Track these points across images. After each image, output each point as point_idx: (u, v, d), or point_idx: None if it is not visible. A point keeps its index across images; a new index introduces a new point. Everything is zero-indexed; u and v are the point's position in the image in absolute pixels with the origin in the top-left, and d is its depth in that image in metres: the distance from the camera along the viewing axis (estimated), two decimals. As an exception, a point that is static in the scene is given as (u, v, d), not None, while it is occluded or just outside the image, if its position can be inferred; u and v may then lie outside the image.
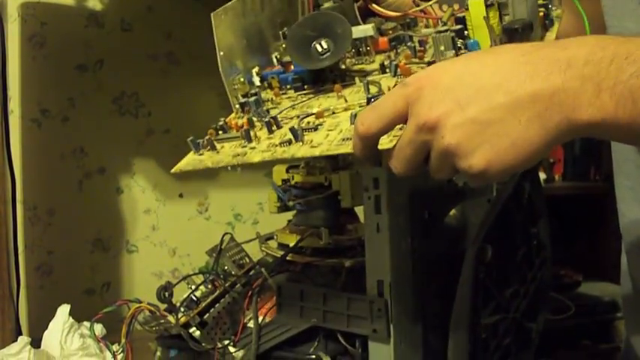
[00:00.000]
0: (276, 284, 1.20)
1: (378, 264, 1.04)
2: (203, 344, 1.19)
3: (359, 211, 1.24)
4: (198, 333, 1.20)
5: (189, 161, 1.06)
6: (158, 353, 1.26)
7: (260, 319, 1.21)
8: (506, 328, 1.05)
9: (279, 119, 1.00)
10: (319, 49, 0.99)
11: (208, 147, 1.06)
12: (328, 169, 1.30)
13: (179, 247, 2.00)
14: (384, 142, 0.81)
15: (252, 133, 1.00)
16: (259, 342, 1.18)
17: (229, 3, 1.04)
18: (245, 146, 1.01)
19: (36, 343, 1.40)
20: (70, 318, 1.42)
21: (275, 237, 1.35)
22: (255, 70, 1.08)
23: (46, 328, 1.43)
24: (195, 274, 1.31)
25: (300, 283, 1.21)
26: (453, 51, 0.89)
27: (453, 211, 1.20)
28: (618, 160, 1.07)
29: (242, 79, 1.05)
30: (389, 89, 0.90)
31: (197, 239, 1.98)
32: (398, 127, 0.77)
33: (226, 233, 1.36)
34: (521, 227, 1.11)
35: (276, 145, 0.96)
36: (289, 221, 1.37)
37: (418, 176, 1.03)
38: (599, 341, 1.73)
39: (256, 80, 1.07)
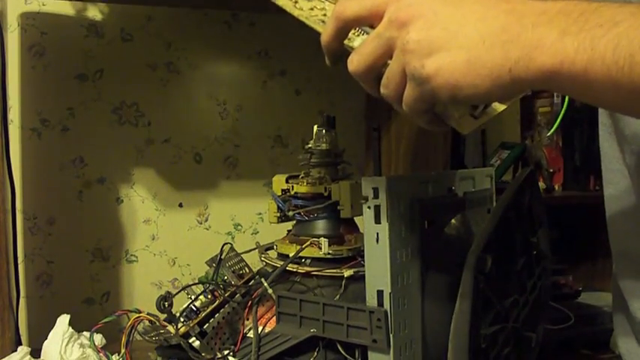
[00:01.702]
0: (275, 294, 1.20)
1: (378, 274, 1.04)
2: (203, 354, 1.19)
3: (359, 221, 1.24)
4: (197, 343, 1.20)
5: None
6: (158, 363, 1.26)
7: (260, 329, 1.21)
8: (506, 337, 1.05)
9: None
10: None
11: None
12: (328, 180, 1.31)
13: (179, 257, 2.00)
14: (352, 38, 0.83)
15: None
16: (259, 352, 1.18)
17: None
18: None
19: (36, 353, 1.40)
20: (70, 328, 1.42)
21: (275, 247, 1.36)
22: None
23: (46, 337, 1.43)
24: (195, 284, 1.31)
25: (300, 294, 1.21)
26: None
27: (453, 221, 1.20)
28: (606, 171, 1.07)
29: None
30: None
31: (197, 249, 1.98)
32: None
33: (226, 243, 1.36)
34: (521, 237, 1.11)
35: None
36: (289, 231, 1.37)
37: (417, 184, 1.03)
38: (598, 351, 1.73)
39: None
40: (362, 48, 0.78)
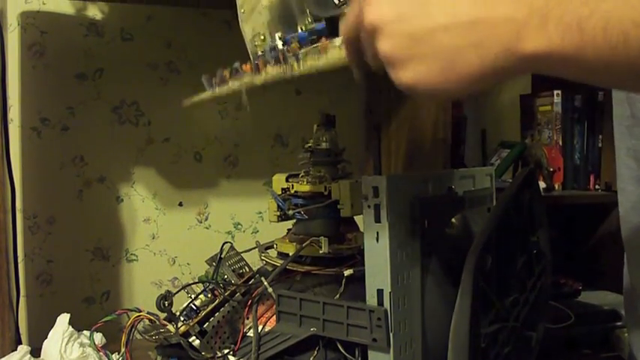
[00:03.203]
0: (275, 293, 1.20)
1: (378, 273, 1.04)
2: (203, 353, 1.19)
3: (358, 220, 1.24)
4: (197, 342, 1.20)
5: (201, 96, 1.06)
6: (158, 362, 1.26)
7: (260, 328, 1.21)
8: (506, 336, 1.05)
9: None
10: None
11: (221, 83, 1.05)
12: (328, 179, 1.31)
13: (179, 256, 2.00)
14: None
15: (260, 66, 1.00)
16: (259, 351, 1.18)
17: None
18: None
19: (36, 352, 1.40)
20: (70, 327, 1.42)
21: (275, 246, 1.36)
22: (279, 34, 1.06)
23: (46, 337, 1.43)
24: (194, 283, 1.31)
25: (300, 293, 1.21)
26: None
27: (453, 220, 1.20)
28: (620, 165, 1.07)
29: (262, 37, 1.04)
30: None
31: (197, 248, 1.98)
32: None
33: (226, 242, 1.36)
34: (521, 236, 1.11)
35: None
36: (289, 230, 1.37)
37: (417, 183, 1.04)
38: (599, 350, 1.73)
39: (279, 43, 1.05)
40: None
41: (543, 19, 0.62)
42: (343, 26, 0.82)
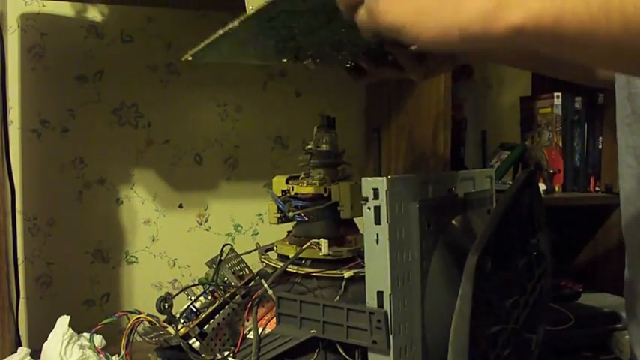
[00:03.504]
0: (275, 295, 1.20)
1: (378, 275, 1.04)
2: (203, 355, 1.19)
3: (359, 222, 1.24)
4: (197, 344, 1.20)
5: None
6: (158, 364, 1.26)
7: (260, 330, 1.21)
8: (506, 338, 1.05)
9: None
10: None
11: None
12: (328, 181, 1.31)
13: (179, 258, 2.00)
14: None
15: None
16: (259, 353, 1.18)
17: None
18: None
19: (36, 354, 1.40)
20: (70, 329, 1.42)
21: (275, 248, 1.36)
22: None
23: (46, 339, 1.42)
24: (194, 284, 1.31)
25: (300, 295, 1.21)
26: None
27: (453, 222, 1.20)
28: (622, 165, 1.07)
29: None
30: None
31: (197, 250, 1.98)
32: None
33: (226, 244, 1.36)
34: (521, 238, 1.11)
35: None
36: (289, 232, 1.37)
37: (417, 185, 1.03)
38: (599, 352, 1.73)
39: None
40: None
41: None
42: None
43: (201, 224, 2.03)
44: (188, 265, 2.01)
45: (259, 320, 1.23)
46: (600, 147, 2.06)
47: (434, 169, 1.72)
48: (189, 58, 1.05)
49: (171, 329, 1.21)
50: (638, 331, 1.10)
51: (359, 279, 1.18)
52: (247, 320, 1.25)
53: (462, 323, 0.93)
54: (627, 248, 1.10)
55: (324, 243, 1.25)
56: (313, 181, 1.31)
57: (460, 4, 0.67)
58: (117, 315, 1.32)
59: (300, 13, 0.91)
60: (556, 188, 2.04)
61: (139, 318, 1.23)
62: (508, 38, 0.65)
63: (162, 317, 1.25)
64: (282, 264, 1.26)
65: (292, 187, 1.34)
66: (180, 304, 1.28)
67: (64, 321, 1.44)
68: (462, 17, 0.67)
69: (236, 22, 0.97)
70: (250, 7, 1.01)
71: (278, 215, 1.37)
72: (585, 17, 0.59)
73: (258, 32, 1.00)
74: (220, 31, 1.00)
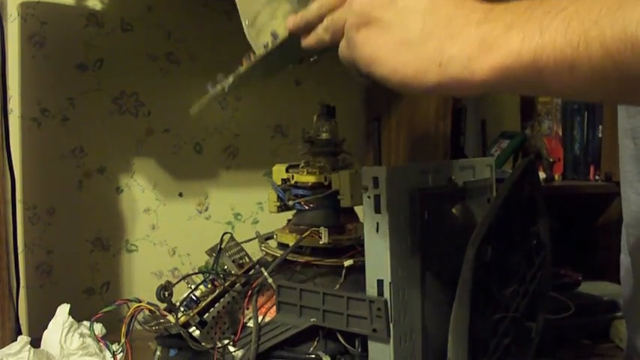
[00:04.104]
0: (275, 284, 1.20)
1: (378, 264, 1.04)
2: (203, 344, 1.19)
3: (358, 210, 1.24)
4: (197, 332, 1.20)
5: (202, 99, 1.08)
6: (158, 353, 1.26)
7: (260, 318, 1.21)
8: (506, 327, 1.05)
9: None
10: None
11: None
12: (328, 169, 1.31)
13: (179, 247, 2.00)
14: None
15: None
16: (259, 341, 1.18)
17: None
18: None
19: (36, 342, 1.40)
20: (70, 317, 1.42)
21: (275, 236, 1.36)
22: None
23: (46, 327, 1.43)
24: (194, 273, 1.31)
25: (300, 283, 1.21)
26: None
27: (453, 211, 1.20)
28: (623, 172, 1.08)
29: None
30: None
31: (197, 239, 1.98)
32: None
33: (226, 233, 1.36)
34: (521, 227, 1.11)
35: None
36: (289, 221, 1.37)
37: (417, 174, 1.04)
38: (599, 341, 1.73)
39: None
40: (312, 5, 0.84)
41: (507, 28, 0.64)
42: None
43: (201, 213, 2.03)
44: (188, 254, 2.01)
45: (259, 309, 1.23)
46: (600, 135, 2.06)
47: (434, 158, 1.72)
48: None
49: (171, 318, 1.21)
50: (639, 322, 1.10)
51: (359, 267, 1.18)
52: (247, 309, 1.25)
53: (461, 312, 0.93)
54: (625, 230, 1.10)
55: (324, 231, 1.25)
56: (313, 170, 1.31)
57: (444, 40, 0.68)
58: (117, 303, 1.32)
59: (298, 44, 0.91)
60: (556, 177, 2.04)
61: (139, 306, 1.23)
62: (489, 80, 0.66)
63: (163, 306, 1.25)
64: (282, 252, 1.26)
65: (292, 176, 1.34)
66: (180, 293, 1.28)
67: (64, 309, 1.45)
68: (444, 54, 0.67)
69: (230, 79, 1.01)
70: (246, 22, 1.04)
71: (278, 204, 1.37)
72: (566, 49, 0.59)
73: (262, 67, 1.03)
74: (219, 87, 1.04)
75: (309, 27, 0.86)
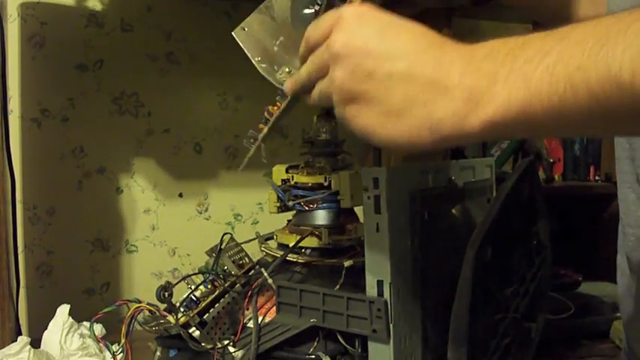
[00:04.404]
0: (275, 284, 1.20)
1: (378, 264, 1.04)
2: (203, 344, 1.19)
3: (358, 211, 1.24)
4: (197, 333, 1.20)
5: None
6: (158, 353, 1.26)
7: (260, 319, 1.21)
8: (506, 327, 1.05)
9: None
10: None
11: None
12: (328, 169, 1.31)
13: (179, 247, 2.00)
14: None
15: None
16: (259, 342, 1.18)
17: (250, 17, 1.06)
18: None
19: (36, 343, 1.40)
20: (70, 318, 1.42)
21: (275, 237, 1.36)
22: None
23: (46, 328, 1.43)
24: (194, 274, 1.31)
25: (300, 284, 1.21)
26: None
27: (453, 211, 1.20)
28: (617, 150, 1.07)
29: (287, 70, 1.05)
30: None
31: (197, 239, 1.98)
32: None
33: (226, 233, 1.36)
34: (521, 227, 1.11)
35: None
36: (289, 221, 1.37)
37: (417, 175, 1.03)
38: (599, 341, 1.73)
39: None
40: (302, 69, 0.85)
41: (491, 81, 0.63)
42: (304, 42, 0.85)
43: (201, 213, 2.03)
44: (188, 254, 2.02)
45: (259, 309, 1.23)
46: (600, 136, 2.06)
47: (434, 159, 1.72)
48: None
49: (171, 318, 1.21)
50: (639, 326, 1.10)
51: (359, 268, 1.18)
52: (247, 309, 1.25)
53: (461, 312, 0.93)
54: (625, 237, 1.10)
55: (324, 232, 1.25)
56: (313, 171, 1.31)
57: (429, 105, 0.67)
58: (117, 304, 1.32)
59: None
60: (556, 177, 2.04)
61: (139, 307, 1.23)
62: (482, 133, 0.66)
63: (163, 306, 1.25)
64: (282, 253, 1.26)
65: (292, 176, 1.34)
66: (180, 293, 1.28)
67: (64, 310, 1.45)
68: (432, 118, 0.67)
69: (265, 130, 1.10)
70: (257, 58, 1.08)
71: (278, 204, 1.36)
72: (553, 97, 0.60)
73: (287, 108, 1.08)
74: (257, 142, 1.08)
75: (306, 89, 0.87)
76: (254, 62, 1.03)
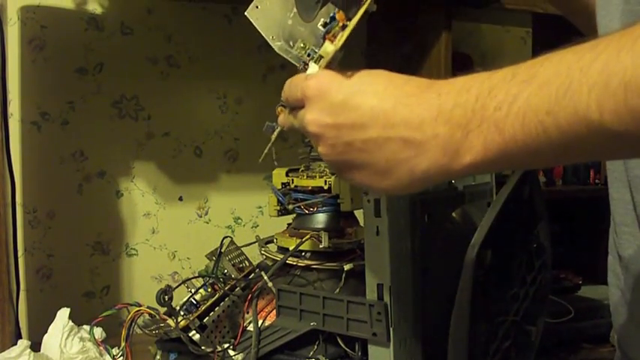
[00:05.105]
0: (275, 288, 1.20)
1: (378, 267, 1.04)
2: (203, 348, 1.19)
3: (358, 214, 1.24)
4: (197, 336, 1.20)
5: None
6: (158, 357, 1.26)
7: (260, 322, 1.21)
8: (506, 331, 1.05)
9: None
10: None
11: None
12: (328, 173, 1.31)
13: (179, 251, 2.00)
14: None
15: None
16: (259, 345, 1.18)
17: None
18: None
19: (36, 346, 1.40)
20: (70, 321, 1.42)
21: (275, 240, 1.36)
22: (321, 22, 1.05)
23: (46, 331, 1.43)
24: (195, 277, 1.31)
25: (300, 287, 1.21)
26: None
27: (453, 214, 1.20)
28: (610, 170, 1.07)
29: (302, 45, 1.05)
30: None
31: (197, 242, 1.98)
32: None
33: (226, 237, 1.36)
34: (522, 230, 1.11)
35: None
36: (289, 225, 1.37)
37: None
38: (598, 345, 1.73)
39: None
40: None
41: (464, 132, 0.66)
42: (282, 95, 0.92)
43: (201, 217, 2.03)
44: (188, 258, 2.01)
45: (259, 313, 1.23)
46: (600, 139, 2.06)
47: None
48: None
49: (171, 322, 1.21)
50: (634, 332, 1.10)
51: (359, 271, 1.18)
52: (247, 313, 1.25)
53: (461, 315, 0.93)
54: (618, 236, 1.10)
55: (324, 235, 1.25)
56: (313, 174, 1.31)
57: (410, 161, 0.71)
58: (117, 307, 1.32)
59: None
60: (556, 180, 2.04)
61: (139, 310, 1.23)
62: (467, 173, 0.70)
63: (163, 310, 1.25)
64: (282, 256, 1.26)
65: (292, 180, 1.34)
66: (180, 297, 1.28)
67: (64, 313, 1.44)
68: (417, 171, 0.71)
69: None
70: (271, 37, 1.07)
71: (278, 208, 1.37)
72: (528, 140, 0.62)
73: None
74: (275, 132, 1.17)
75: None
76: (269, 41, 1.03)
